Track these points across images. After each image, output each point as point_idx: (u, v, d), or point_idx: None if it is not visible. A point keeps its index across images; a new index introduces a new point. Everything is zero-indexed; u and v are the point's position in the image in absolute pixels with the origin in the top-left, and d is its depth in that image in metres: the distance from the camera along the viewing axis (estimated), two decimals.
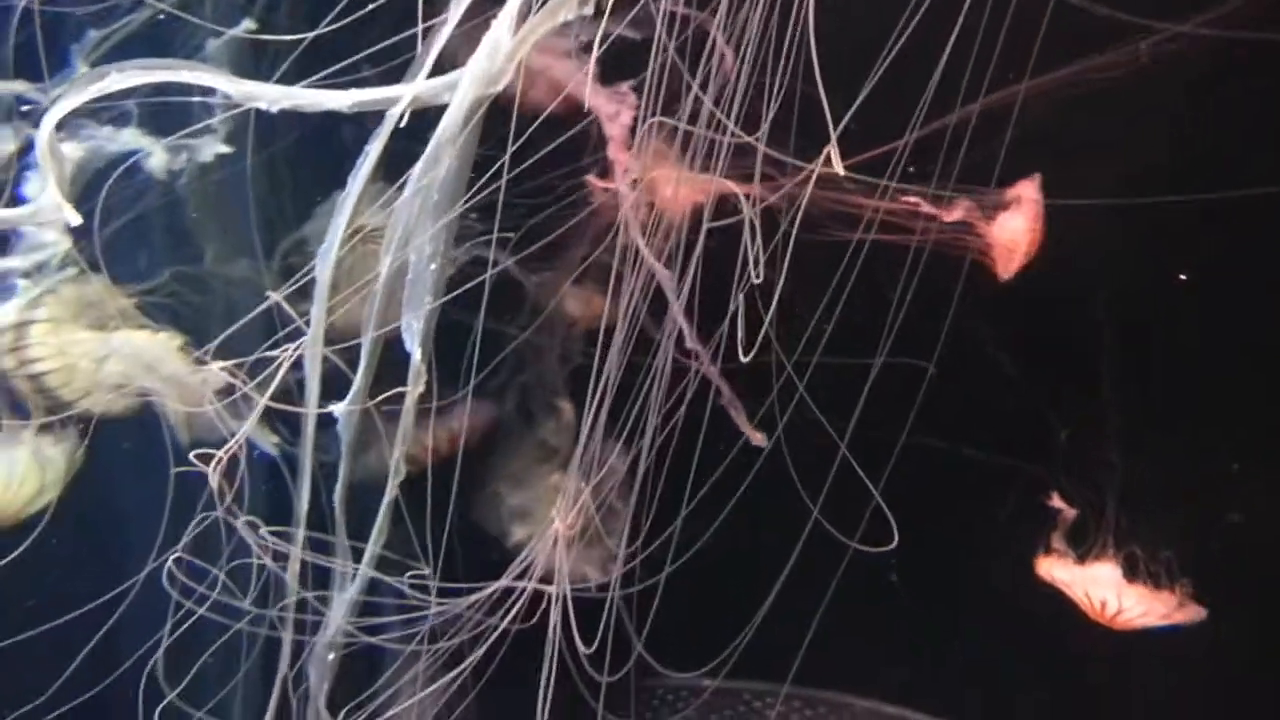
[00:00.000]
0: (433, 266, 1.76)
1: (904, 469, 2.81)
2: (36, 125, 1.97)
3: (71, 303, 2.16)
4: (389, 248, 1.75)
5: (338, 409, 1.81)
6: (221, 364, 1.84)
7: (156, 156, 2.18)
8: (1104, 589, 2.47)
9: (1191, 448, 2.62)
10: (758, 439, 2.38)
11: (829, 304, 2.40)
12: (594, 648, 1.99)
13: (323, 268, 1.76)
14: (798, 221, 2.02)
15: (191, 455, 1.87)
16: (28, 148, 2.07)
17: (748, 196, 2.12)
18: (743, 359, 2.04)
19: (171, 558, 1.91)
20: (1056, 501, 2.54)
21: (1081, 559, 2.51)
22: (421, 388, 1.82)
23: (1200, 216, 2.41)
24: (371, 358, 1.79)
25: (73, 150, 2.10)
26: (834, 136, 1.73)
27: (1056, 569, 2.53)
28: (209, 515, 1.96)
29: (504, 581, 1.90)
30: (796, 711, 3.18)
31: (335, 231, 1.72)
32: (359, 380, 1.77)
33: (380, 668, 2.08)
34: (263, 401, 1.76)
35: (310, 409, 1.88)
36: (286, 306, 1.77)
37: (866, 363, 2.49)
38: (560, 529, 1.91)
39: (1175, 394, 2.62)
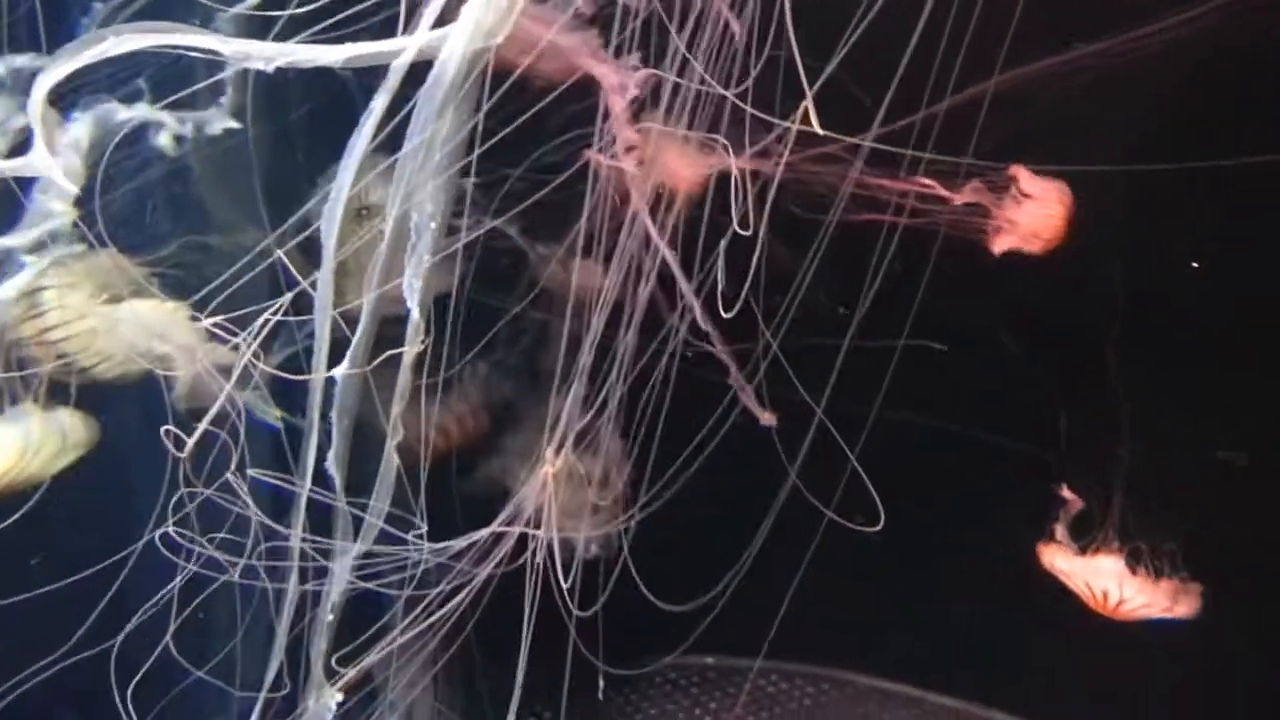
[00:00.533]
0: (433, 224, 1.72)
1: (908, 451, 2.82)
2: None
3: (80, 273, 2.12)
4: (392, 204, 1.70)
5: (339, 372, 1.76)
6: (213, 320, 1.78)
7: (166, 132, 2.13)
8: (1105, 579, 2.43)
9: (1197, 439, 2.60)
10: (767, 419, 2.33)
11: (836, 284, 2.39)
12: (571, 580, 1.92)
13: (328, 227, 1.71)
14: (776, 178, 1.95)
15: (163, 430, 1.83)
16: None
17: (756, 174, 2.09)
18: (724, 314, 1.97)
19: (160, 531, 1.85)
20: (1065, 492, 2.51)
21: (1083, 550, 2.47)
22: (420, 346, 1.78)
23: (1216, 205, 2.39)
24: (373, 318, 1.75)
25: (87, 127, 2.05)
26: (810, 94, 1.68)
27: (1058, 559, 2.49)
28: (199, 491, 1.91)
29: (492, 528, 1.85)
30: (798, 688, 3.15)
31: (340, 188, 1.67)
32: (358, 338, 1.72)
33: (374, 621, 2.03)
34: (242, 356, 1.70)
35: (318, 374, 1.83)
36: (289, 264, 1.72)
37: (873, 345, 2.46)
38: (548, 471, 1.86)
39: (1184, 385, 2.59)
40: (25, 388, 2.10)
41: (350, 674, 1.83)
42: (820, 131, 1.74)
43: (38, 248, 2.03)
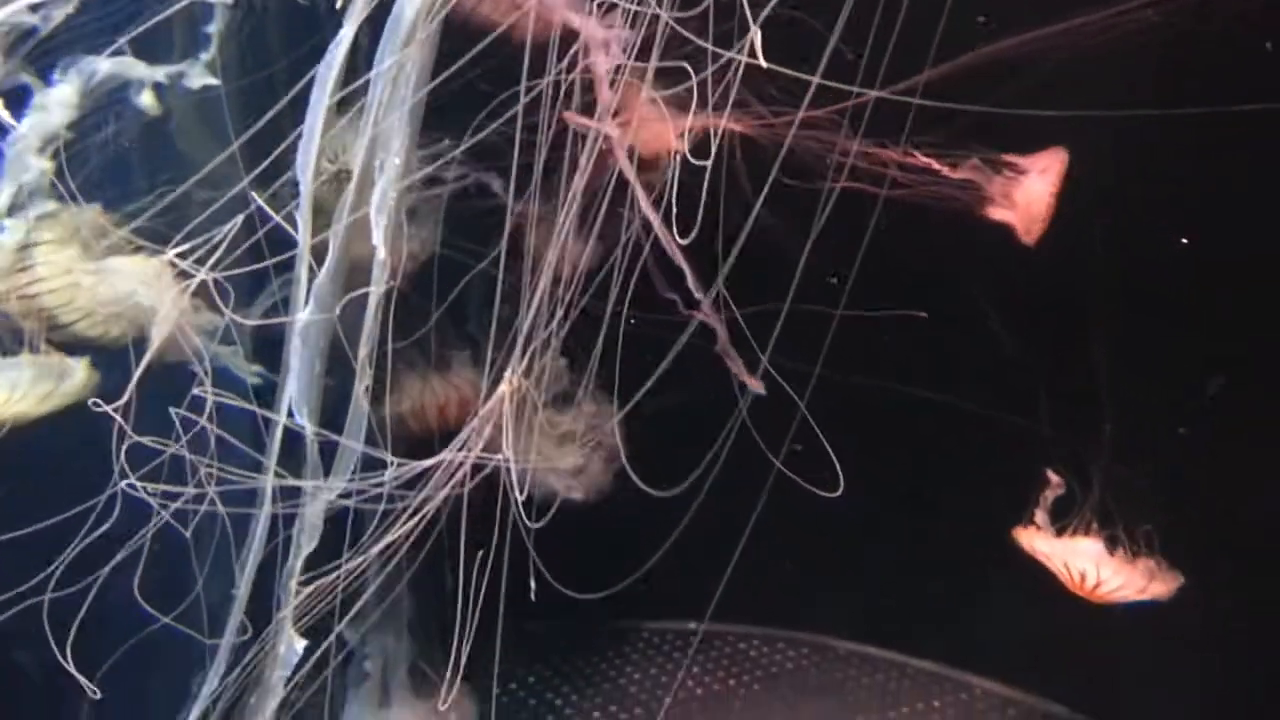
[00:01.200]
0: (398, 160, 1.62)
1: (889, 420, 2.78)
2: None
3: (67, 229, 2.05)
4: (363, 141, 1.60)
5: (301, 318, 1.66)
6: (176, 252, 1.68)
7: (149, 90, 2.05)
8: (1083, 561, 2.35)
9: (1176, 418, 2.52)
10: (755, 386, 2.25)
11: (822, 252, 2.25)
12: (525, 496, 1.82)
13: (304, 163, 1.61)
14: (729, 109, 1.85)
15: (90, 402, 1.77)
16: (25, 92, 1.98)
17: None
18: (680, 241, 1.87)
19: (126, 482, 1.76)
20: (1050, 475, 2.43)
21: (1061, 531, 2.40)
22: (385, 286, 1.67)
23: (1202, 180, 2.28)
24: (341, 257, 1.64)
25: (73, 85, 2.00)
26: (755, 25, 1.58)
27: (1038, 540, 2.41)
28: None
29: (446, 454, 1.75)
30: (780, 653, 3.09)
31: (313, 124, 1.56)
32: (320, 278, 1.61)
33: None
34: (191, 279, 1.60)
35: (296, 321, 1.73)
36: (266, 207, 1.62)
37: (856, 314, 2.39)
38: (507, 391, 1.75)
39: (1165, 363, 2.48)
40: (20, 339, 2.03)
41: (306, 593, 1.72)
42: (764, 64, 1.62)
43: (15, 206, 1.97)
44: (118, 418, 1.71)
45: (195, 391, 1.77)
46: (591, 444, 2.45)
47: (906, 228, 2.31)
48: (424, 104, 1.68)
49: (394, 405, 2.39)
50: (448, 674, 1.88)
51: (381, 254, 1.63)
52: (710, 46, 1.73)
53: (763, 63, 1.64)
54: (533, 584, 1.87)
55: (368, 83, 1.67)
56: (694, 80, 1.78)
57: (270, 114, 1.69)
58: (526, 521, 1.85)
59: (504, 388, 1.75)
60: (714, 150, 1.83)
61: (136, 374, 1.72)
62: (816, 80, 1.89)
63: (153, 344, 1.96)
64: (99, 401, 1.76)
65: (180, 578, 2.03)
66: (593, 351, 2.18)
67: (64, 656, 1.73)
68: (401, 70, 1.57)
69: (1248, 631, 2.55)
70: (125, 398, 1.70)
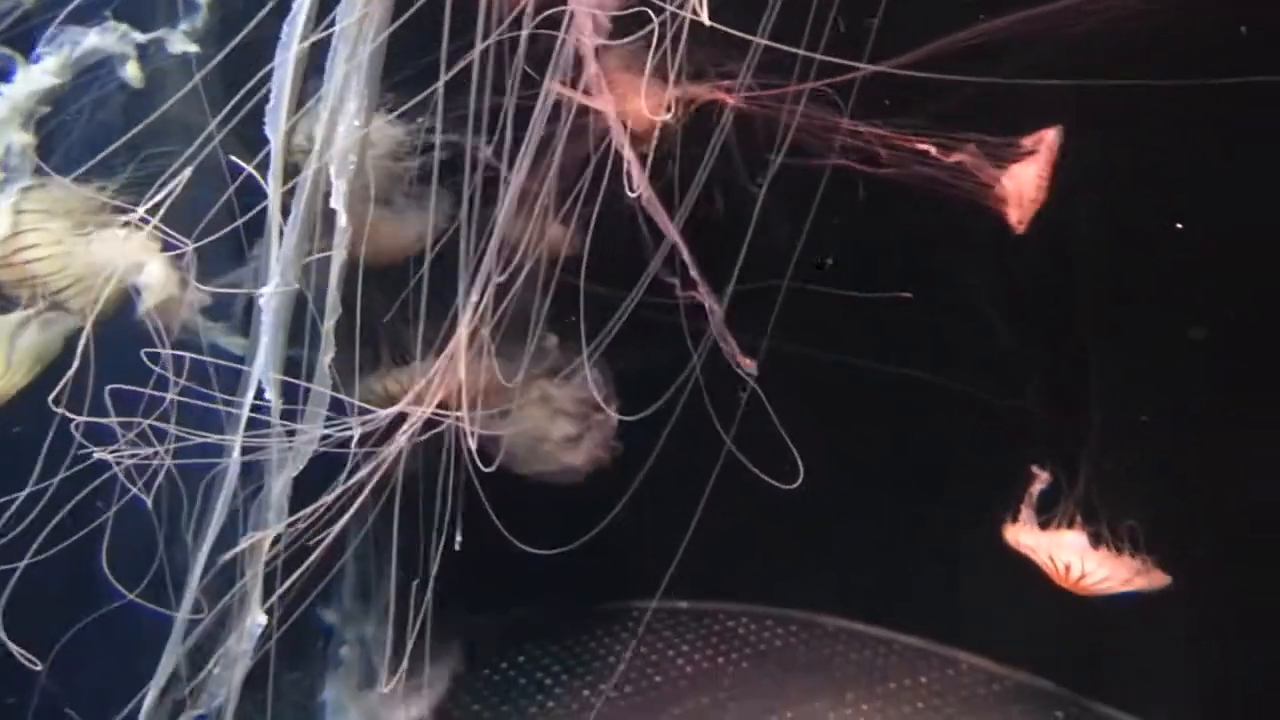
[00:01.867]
0: (357, 122, 1.52)
1: (875, 403, 2.71)
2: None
3: (51, 199, 1.98)
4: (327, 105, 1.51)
5: (266, 291, 1.57)
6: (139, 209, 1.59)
7: (132, 63, 1.98)
8: (1068, 554, 2.31)
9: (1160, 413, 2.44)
10: (747, 365, 2.17)
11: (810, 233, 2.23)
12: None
13: (273, 124, 1.51)
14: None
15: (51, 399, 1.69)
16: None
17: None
18: (636, 190, 1.78)
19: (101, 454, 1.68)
20: (1036, 469, 2.38)
21: (1046, 525, 2.35)
22: (345, 253, 1.57)
23: (1199, 168, 2.20)
24: (306, 227, 1.55)
25: (58, 58, 1.93)
26: None
27: (1023, 534, 2.37)
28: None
29: (402, 405, 1.66)
30: (768, 630, 3.04)
31: (282, 79, 1.47)
32: (284, 251, 1.52)
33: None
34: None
35: (269, 290, 1.64)
36: (241, 163, 1.53)
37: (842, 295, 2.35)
38: (462, 338, 1.66)
39: (1151, 355, 2.41)
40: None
41: (263, 535, 1.63)
42: (708, 23, 1.56)
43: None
44: (61, 411, 1.65)
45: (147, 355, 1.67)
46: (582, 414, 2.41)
47: (894, 209, 2.26)
48: (383, 67, 1.59)
49: (383, 389, 2.31)
50: (388, 656, 1.79)
51: (343, 220, 1.54)
52: (668, 7, 1.62)
53: (705, 20, 1.54)
54: (459, 536, 1.78)
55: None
56: (653, 23, 1.67)
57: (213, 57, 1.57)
58: (481, 467, 1.76)
59: (460, 331, 1.65)
60: (678, 117, 1.73)
61: (83, 339, 1.62)
62: (762, 39, 1.81)
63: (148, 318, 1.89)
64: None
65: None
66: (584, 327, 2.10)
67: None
68: (360, 30, 1.47)
69: (1238, 620, 2.48)
70: (75, 366, 1.61)
